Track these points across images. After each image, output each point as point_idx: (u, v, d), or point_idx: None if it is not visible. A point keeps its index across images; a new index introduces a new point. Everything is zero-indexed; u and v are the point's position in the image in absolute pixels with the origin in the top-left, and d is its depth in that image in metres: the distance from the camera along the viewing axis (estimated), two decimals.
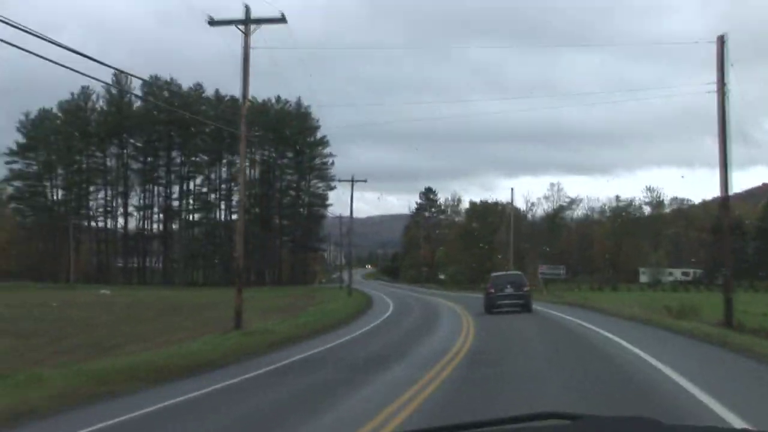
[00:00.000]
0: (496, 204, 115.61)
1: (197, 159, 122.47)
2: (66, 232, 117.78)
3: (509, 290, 39.23)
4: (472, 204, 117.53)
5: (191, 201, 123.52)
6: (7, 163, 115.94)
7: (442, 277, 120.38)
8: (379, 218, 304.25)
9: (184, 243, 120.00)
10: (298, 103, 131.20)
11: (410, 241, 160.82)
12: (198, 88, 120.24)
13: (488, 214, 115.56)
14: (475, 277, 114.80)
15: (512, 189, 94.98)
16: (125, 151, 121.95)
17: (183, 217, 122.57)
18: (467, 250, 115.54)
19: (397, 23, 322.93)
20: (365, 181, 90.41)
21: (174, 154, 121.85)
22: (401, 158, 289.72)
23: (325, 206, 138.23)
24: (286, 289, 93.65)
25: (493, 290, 39.86)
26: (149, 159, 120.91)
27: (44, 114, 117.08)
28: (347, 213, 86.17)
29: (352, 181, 77.99)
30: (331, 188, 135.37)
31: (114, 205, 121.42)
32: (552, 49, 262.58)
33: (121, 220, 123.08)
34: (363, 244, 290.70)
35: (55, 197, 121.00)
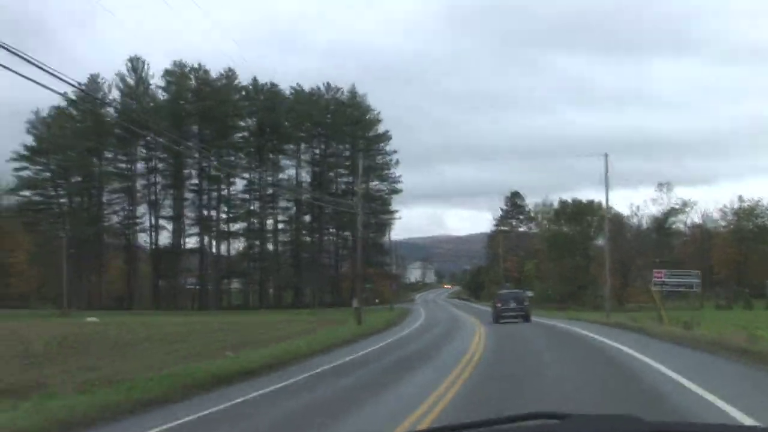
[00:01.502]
0: (591, 204, 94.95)
1: (234, 159, 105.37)
2: (86, 248, 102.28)
3: (513, 305, 48.20)
4: (562, 204, 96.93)
5: (227, 209, 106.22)
6: (17, 170, 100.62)
7: (529, 293, 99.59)
8: (467, 237, 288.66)
9: (214, 260, 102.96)
10: (353, 91, 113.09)
11: (495, 253, 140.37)
12: (230, 74, 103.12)
13: (582, 216, 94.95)
14: (568, 293, 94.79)
15: (606, 180, 56.73)
16: (152, 152, 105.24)
17: (217, 228, 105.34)
18: (558, 260, 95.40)
19: (483, 36, 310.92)
20: None
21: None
22: (489, 174, 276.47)
23: (389, 213, 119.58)
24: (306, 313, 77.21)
25: (500, 304, 48.65)
26: (172, 161, 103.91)
27: (60, 112, 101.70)
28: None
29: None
30: (396, 191, 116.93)
31: (131, 215, 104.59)
32: (642, 57, 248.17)
33: (142, 235, 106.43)
34: (452, 262, 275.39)
35: (72, 207, 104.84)
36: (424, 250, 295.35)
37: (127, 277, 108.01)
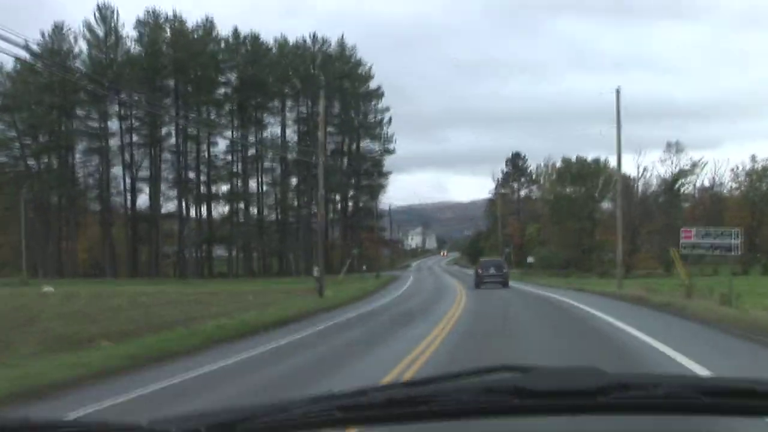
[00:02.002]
0: (597, 163, 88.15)
1: (215, 118, 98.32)
2: (57, 212, 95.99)
3: (492, 271, 53.56)
4: (565, 162, 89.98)
5: (206, 170, 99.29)
6: None
7: (530, 260, 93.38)
8: (470, 203, 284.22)
9: (195, 225, 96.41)
10: (341, 44, 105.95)
11: (495, 217, 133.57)
12: (208, 25, 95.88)
13: (586, 176, 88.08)
14: (571, 259, 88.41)
15: (618, 117, 48.25)
16: (127, 111, 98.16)
17: (197, 191, 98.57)
18: (561, 224, 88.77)
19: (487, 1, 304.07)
20: None
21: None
22: (492, 139, 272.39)
23: (382, 174, 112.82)
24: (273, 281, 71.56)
25: (481, 271, 54.30)
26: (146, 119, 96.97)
27: (24, 65, 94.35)
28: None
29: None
30: (389, 151, 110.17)
31: (105, 177, 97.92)
32: (646, 21, 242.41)
33: (117, 198, 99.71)
34: (455, 229, 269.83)
35: (40, 169, 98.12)
36: (425, 216, 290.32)
37: (102, 244, 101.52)
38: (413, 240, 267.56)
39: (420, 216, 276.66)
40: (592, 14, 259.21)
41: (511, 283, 55.04)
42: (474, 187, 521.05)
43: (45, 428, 2.19)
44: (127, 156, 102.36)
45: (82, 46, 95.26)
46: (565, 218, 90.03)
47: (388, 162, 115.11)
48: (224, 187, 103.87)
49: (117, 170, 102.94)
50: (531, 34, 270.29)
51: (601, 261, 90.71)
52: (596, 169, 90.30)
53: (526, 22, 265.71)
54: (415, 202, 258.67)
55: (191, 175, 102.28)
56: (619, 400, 2.09)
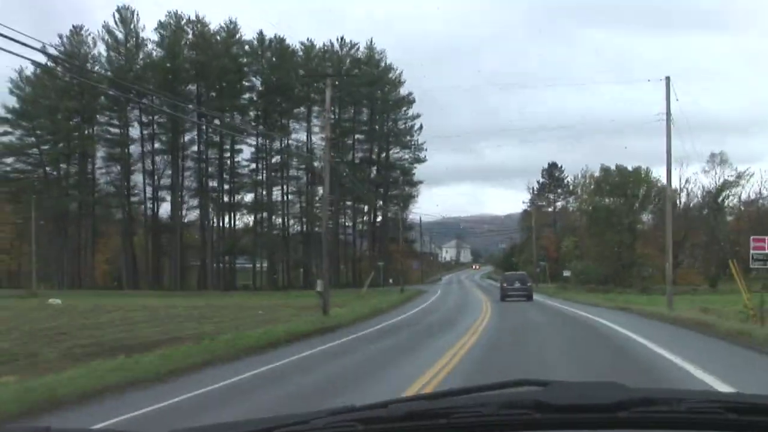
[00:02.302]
0: (638, 172, 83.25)
1: (240, 122, 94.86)
2: (75, 221, 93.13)
3: (517, 285, 55.63)
4: (604, 171, 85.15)
5: (229, 178, 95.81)
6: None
7: (566, 274, 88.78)
8: (507, 216, 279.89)
9: (219, 235, 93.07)
10: (370, 47, 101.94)
11: (530, 230, 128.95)
12: (231, 27, 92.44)
13: (626, 186, 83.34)
14: (609, 274, 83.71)
15: (668, 108, 36.38)
16: (149, 117, 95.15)
17: (220, 200, 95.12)
18: (598, 236, 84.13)
19: (520, 12, 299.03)
20: None
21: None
22: (528, 153, 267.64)
23: (413, 184, 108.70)
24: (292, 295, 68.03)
25: (506, 284, 56.46)
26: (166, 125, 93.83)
27: (45, 69, 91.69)
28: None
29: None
30: (420, 160, 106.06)
31: (125, 185, 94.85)
32: (683, 31, 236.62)
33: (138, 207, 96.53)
34: (492, 243, 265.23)
35: (58, 176, 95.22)
36: (461, 229, 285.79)
37: (123, 254, 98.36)
38: (447, 253, 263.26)
39: (456, 229, 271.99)
40: (630, 26, 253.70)
41: (546, 300, 53.88)
42: (510, 200, 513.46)
43: None
44: (148, 163, 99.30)
45: (101, 49, 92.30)
46: (604, 230, 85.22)
47: (420, 171, 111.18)
48: (248, 197, 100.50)
49: (137, 178, 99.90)
50: (566, 45, 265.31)
51: (641, 276, 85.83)
52: (637, 178, 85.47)
53: (562, 34, 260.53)
54: (450, 215, 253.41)
55: (213, 183, 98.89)
56: (640, 415, 2.06)
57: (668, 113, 40.10)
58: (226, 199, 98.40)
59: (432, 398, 2.31)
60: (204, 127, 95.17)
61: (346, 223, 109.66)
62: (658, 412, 2.05)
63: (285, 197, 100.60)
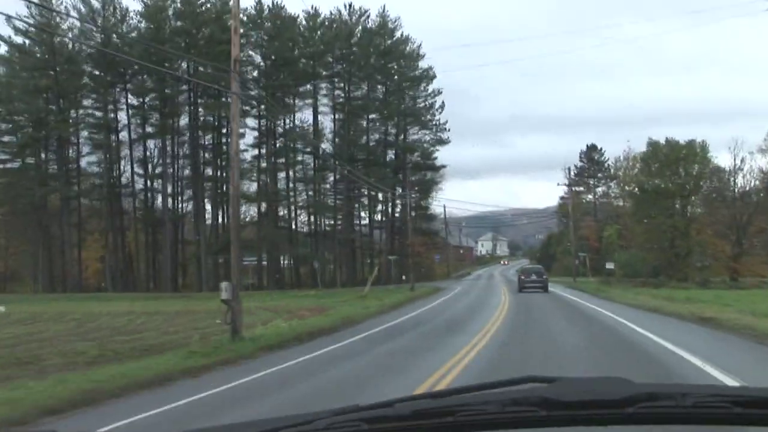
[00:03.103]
0: (691, 146, 71.00)
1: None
2: (53, 217, 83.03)
3: (533, 277, 60.80)
4: (652, 146, 72.86)
5: (226, 165, 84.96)
6: None
7: (610, 266, 76.55)
8: (545, 210, 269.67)
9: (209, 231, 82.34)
10: (383, 16, 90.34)
11: (566, 217, 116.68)
12: None
13: (678, 163, 71.13)
14: (663, 263, 71.87)
15: None
16: (140, 99, 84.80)
17: (216, 190, 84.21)
18: (647, 222, 72.07)
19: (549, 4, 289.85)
20: None
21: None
22: (563, 145, 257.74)
23: (435, 168, 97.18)
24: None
25: (523, 277, 61.85)
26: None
27: (17, 48, 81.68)
28: None
29: None
30: (443, 142, 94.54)
31: (112, 175, 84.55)
32: (711, 19, 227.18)
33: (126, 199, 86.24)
34: (530, 235, 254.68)
35: (36, 166, 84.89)
36: (498, 223, 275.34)
37: (112, 252, 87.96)
38: (483, 247, 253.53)
39: (493, 223, 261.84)
40: (661, 17, 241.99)
41: (585, 301, 44.27)
42: (548, 192, 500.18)
43: None
44: (138, 150, 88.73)
45: (75, 21, 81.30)
46: (653, 215, 73.00)
47: (451, 161, 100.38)
48: (248, 186, 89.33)
49: (127, 167, 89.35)
50: (597, 36, 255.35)
51: (698, 267, 73.52)
52: (690, 153, 72.90)
53: (592, 25, 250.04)
54: (487, 209, 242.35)
55: (210, 172, 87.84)
56: (647, 410, 2.06)
57: None
58: (222, 188, 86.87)
59: (438, 396, 2.24)
60: (193, 101, 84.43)
61: (361, 214, 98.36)
62: (664, 407, 2.02)
63: (289, 184, 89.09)
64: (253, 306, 47.69)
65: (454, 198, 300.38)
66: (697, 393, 2.06)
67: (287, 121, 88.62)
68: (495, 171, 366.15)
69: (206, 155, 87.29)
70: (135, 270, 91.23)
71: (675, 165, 72.38)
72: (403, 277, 73.09)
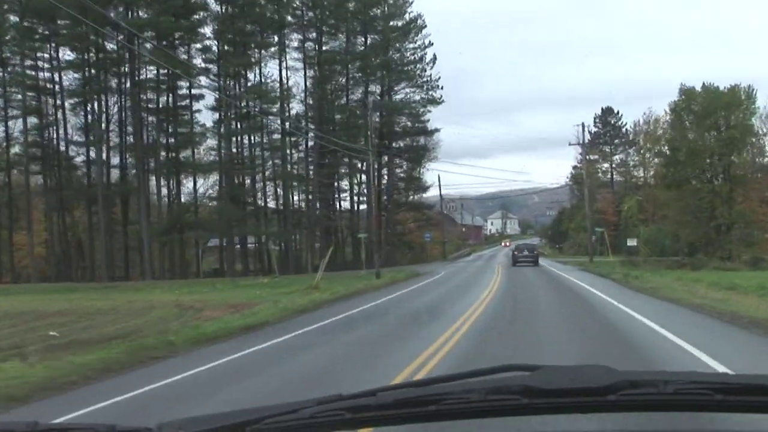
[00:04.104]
0: (734, 92, 56.45)
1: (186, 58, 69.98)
2: None
3: (526, 252, 66.90)
4: (687, 93, 58.31)
5: (174, 129, 71.14)
6: None
7: (632, 243, 62.40)
8: (556, 188, 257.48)
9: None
10: None
11: (578, 188, 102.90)
12: None
13: (719, 114, 56.61)
14: (698, 241, 57.88)
15: None
16: (81, 56, 71.25)
17: (164, 159, 70.42)
18: (679, 187, 57.85)
19: None
20: None
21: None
22: (574, 123, 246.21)
23: (427, 133, 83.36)
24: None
25: (516, 252, 68.19)
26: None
27: None
28: None
29: None
30: (435, 101, 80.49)
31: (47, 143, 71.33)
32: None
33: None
34: (542, 214, 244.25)
35: None
36: (510, 201, 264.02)
37: (49, 236, 74.46)
38: (493, 225, 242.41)
39: (505, 202, 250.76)
40: None
41: (614, 299, 27.69)
42: (560, 170, 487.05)
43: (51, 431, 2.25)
44: (75, 117, 74.65)
45: None
46: (687, 178, 58.65)
47: (436, 116, 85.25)
48: (203, 155, 74.88)
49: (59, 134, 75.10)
50: (602, 15, 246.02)
51: (744, 243, 59.00)
52: (734, 100, 58.24)
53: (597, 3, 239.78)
54: (497, 189, 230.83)
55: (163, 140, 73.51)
56: (628, 398, 2.06)
57: None
58: (172, 156, 72.49)
59: (420, 385, 2.23)
60: (140, 57, 70.24)
61: (344, 185, 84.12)
62: (646, 394, 2.02)
63: (252, 151, 74.41)
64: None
65: (464, 177, 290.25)
66: (678, 380, 2.02)
67: (249, 76, 74.22)
68: (506, 150, 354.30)
69: (152, 119, 72.79)
70: (73, 257, 77.27)
71: (715, 116, 57.77)
72: (373, 258, 58.27)
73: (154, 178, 72.42)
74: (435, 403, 2.06)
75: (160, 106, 71.53)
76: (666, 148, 62.80)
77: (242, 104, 73.08)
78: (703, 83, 59.40)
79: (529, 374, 2.12)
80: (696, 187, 57.49)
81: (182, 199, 74.28)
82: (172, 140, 71.73)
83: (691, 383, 2.02)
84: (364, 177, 79.38)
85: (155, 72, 70.35)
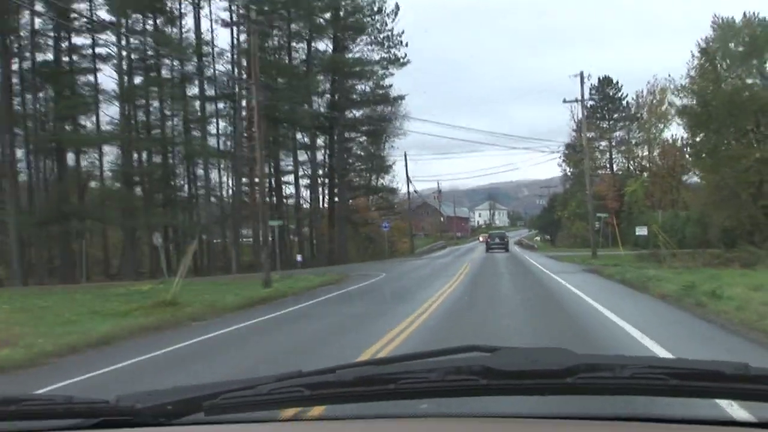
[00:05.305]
0: None
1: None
2: None
3: (497, 240, 76.73)
4: (722, 27, 42.22)
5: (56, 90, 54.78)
6: None
7: (641, 232, 46.20)
8: (546, 180, 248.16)
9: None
10: None
11: (577, 174, 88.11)
12: None
13: (764, 54, 40.34)
14: (738, 228, 41.50)
15: None
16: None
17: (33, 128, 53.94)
18: (712, 154, 41.31)
19: None
20: None
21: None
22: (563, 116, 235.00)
23: (389, 101, 67.44)
24: None
25: (489, 240, 79.39)
26: None
27: None
28: None
29: None
30: (397, 61, 64.74)
31: None
32: None
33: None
34: (532, 205, 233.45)
35: None
36: (501, 194, 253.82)
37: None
38: (480, 217, 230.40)
39: (495, 195, 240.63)
40: None
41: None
42: (550, 164, 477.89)
43: (9, 402, 2.21)
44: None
45: None
46: (722, 142, 42.70)
47: (400, 80, 69.06)
48: (91, 120, 58.06)
49: None
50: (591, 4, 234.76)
51: None
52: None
53: None
54: (487, 182, 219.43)
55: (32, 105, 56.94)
56: (586, 381, 2.09)
57: None
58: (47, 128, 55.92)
59: (381, 363, 2.26)
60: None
61: (288, 167, 67.75)
62: (602, 378, 2.04)
63: (148, 117, 57.77)
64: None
65: (452, 168, 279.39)
66: (635, 365, 2.03)
67: (154, 24, 57.78)
68: (495, 142, 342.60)
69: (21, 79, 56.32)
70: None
71: (762, 56, 41.77)
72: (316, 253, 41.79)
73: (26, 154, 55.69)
74: (394, 381, 2.04)
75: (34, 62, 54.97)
76: (694, 102, 46.65)
77: (149, 61, 56.87)
78: (744, 13, 43.55)
79: (489, 355, 2.12)
80: (738, 153, 41.59)
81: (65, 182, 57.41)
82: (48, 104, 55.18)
83: (647, 368, 2.00)
84: (308, 156, 63.32)
85: (29, 20, 54.14)
